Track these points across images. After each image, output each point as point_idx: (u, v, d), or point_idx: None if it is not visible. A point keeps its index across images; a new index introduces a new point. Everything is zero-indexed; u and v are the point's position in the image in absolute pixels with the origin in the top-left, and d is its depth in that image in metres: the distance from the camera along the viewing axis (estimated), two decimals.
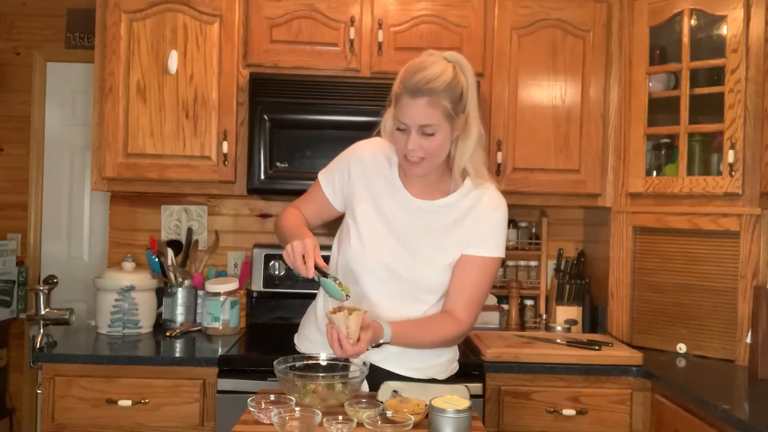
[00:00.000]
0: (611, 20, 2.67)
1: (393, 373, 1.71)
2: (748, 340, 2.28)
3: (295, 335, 1.95)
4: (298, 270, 1.58)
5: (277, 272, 2.84)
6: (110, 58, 2.57)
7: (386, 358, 1.72)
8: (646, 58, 2.57)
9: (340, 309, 1.52)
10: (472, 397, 1.60)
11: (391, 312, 1.69)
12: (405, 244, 1.72)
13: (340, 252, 1.81)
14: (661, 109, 2.58)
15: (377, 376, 1.68)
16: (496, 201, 1.75)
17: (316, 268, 1.58)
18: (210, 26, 2.59)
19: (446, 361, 1.81)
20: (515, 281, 2.87)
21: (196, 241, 2.89)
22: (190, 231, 2.91)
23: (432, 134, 1.61)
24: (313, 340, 1.83)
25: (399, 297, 1.71)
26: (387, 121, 1.72)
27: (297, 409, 1.44)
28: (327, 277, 1.58)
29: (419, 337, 1.69)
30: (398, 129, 1.63)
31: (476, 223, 1.72)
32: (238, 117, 2.62)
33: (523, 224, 3.02)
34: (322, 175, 1.86)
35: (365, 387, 1.69)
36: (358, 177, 1.78)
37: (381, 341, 1.59)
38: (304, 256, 1.57)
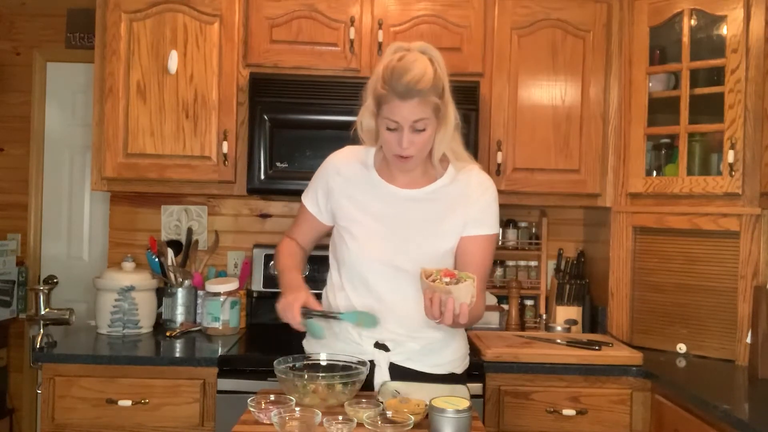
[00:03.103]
0: (611, 20, 2.67)
1: (414, 371, 1.71)
2: (748, 340, 2.28)
3: (304, 341, 1.93)
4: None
5: (277, 272, 2.83)
6: (110, 58, 2.57)
7: (409, 357, 1.74)
8: (646, 58, 2.57)
9: (446, 276, 1.48)
10: (472, 397, 1.61)
11: (406, 307, 1.69)
12: (403, 239, 1.72)
13: (339, 261, 1.82)
14: (661, 109, 2.58)
15: (399, 375, 1.70)
16: (484, 182, 1.80)
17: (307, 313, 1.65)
18: (210, 26, 2.59)
19: (462, 356, 1.85)
20: (515, 281, 2.87)
21: (196, 241, 2.89)
22: (190, 231, 2.90)
23: (423, 129, 1.64)
24: (324, 344, 1.81)
25: (411, 292, 1.69)
26: (364, 118, 1.74)
27: (297, 409, 1.44)
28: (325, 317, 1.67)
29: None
30: (388, 129, 1.65)
31: (469, 205, 1.75)
32: (238, 117, 2.62)
33: (523, 224, 3.01)
34: (305, 198, 1.89)
35: (401, 388, 1.66)
36: (339, 188, 1.80)
37: None
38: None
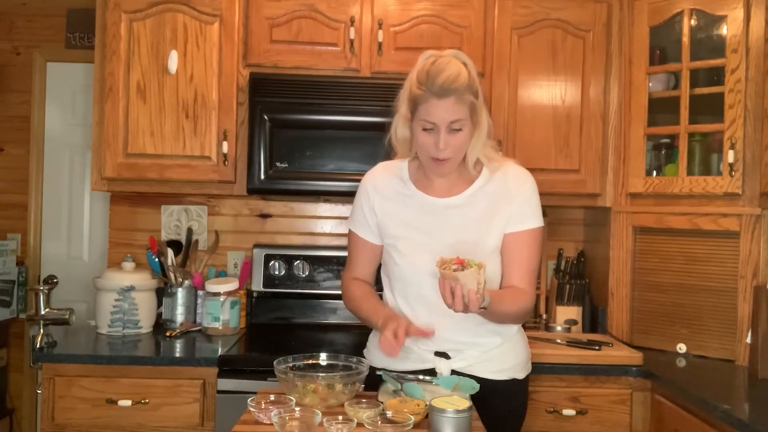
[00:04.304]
0: (611, 20, 2.67)
1: (476, 378, 1.69)
2: (748, 340, 2.28)
3: (365, 350, 1.93)
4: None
5: (277, 272, 2.84)
6: (110, 58, 2.57)
7: (470, 364, 1.75)
8: (646, 58, 2.57)
9: (456, 264, 1.50)
10: (472, 397, 1.60)
11: (461, 315, 1.64)
12: (448, 247, 1.71)
13: (391, 279, 1.83)
14: (661, 109, 2.58)
15: None
16: (521, 175, 1.80)
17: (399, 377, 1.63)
18: (210, 26, 2.59)
19: (523, 361, 1.85)
20: None
21: (196, 241, 2.89)
22: (190, 231, 2.90)
23: (459, 130, 1.66)
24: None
25: None
26: (398, 126, 1.77)
27: (297, 409, 1.44)
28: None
29: (507, 306, 1.69)
30: (424, 130, 1.67)
31: (510, 201, 1.76)
32: (238, 117, 2.62)
33: None
34: (353, 226, 1.87)
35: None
36: (380, 205, 1.81)
37: (482, 305, 1.55)
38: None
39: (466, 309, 1.50)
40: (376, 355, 1.83)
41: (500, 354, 1.78)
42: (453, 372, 1.72)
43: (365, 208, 1.84)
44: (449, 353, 1.75)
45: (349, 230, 1.89)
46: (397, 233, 1.78)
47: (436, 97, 1.62)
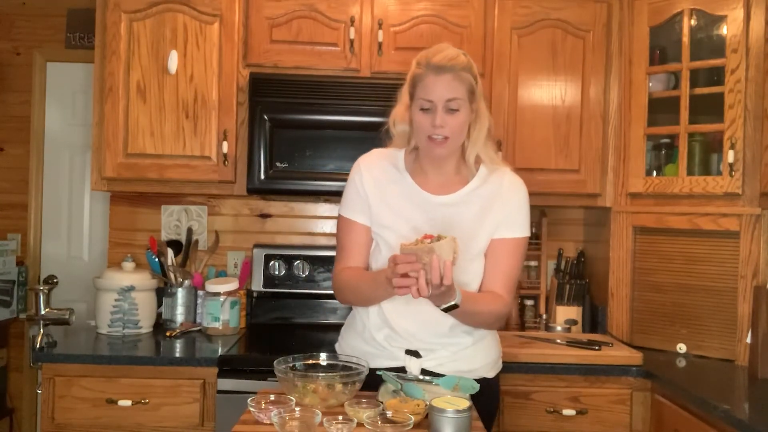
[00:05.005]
0: (611, 20, 2.67)
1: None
2: (748, 340, 2.28)
3: (336, 344, 1.93)
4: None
5: (277, 272, 2.84)
6: (110, 58, 2.57)
7: (440, 363, 1.74)
8: (646, 58, 2.57)
9: (426, 239, 1.48)
10: (472, 397, 1.60)
11: (436, 314, 1.65)
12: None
13: (372, 269, 1.81)
14: (661, 109, 2.58)
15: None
16: (516, 183, 1.81)
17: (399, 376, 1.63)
18: (210, 26, 2.59)
19: (493, 360, 1.85)
20: None
21: (196, 241, 2.89)
22: (190, 231, 2.90)
23: (457, 110, 1.66)
24: (354, 347, 1.82)
25: None
26: (398, 115, 1.76)
27: (297, 409, 1.44)
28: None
29: (480, 307, 1.69)
30: (422, 110, 1.67)
31: (502, 207, 1.76)
32: (238, 117, 2.62)
33: None
34: (345, 211, 1.82)
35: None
36: (372, 190, 1.78)
37: (453, 302, 1.54)
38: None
39: (440, 284, 1.46)
40: (346, 351, 1.84)
41: (470, 354, 1.78)
42: (423, 371, 1.70)
43: (358, 187, 1.79)
44: (421, 352, 1.73)
45: (340, 217, 1.83)
46: (386, 222, 1.76)
47: (434, 74, 1.64)
